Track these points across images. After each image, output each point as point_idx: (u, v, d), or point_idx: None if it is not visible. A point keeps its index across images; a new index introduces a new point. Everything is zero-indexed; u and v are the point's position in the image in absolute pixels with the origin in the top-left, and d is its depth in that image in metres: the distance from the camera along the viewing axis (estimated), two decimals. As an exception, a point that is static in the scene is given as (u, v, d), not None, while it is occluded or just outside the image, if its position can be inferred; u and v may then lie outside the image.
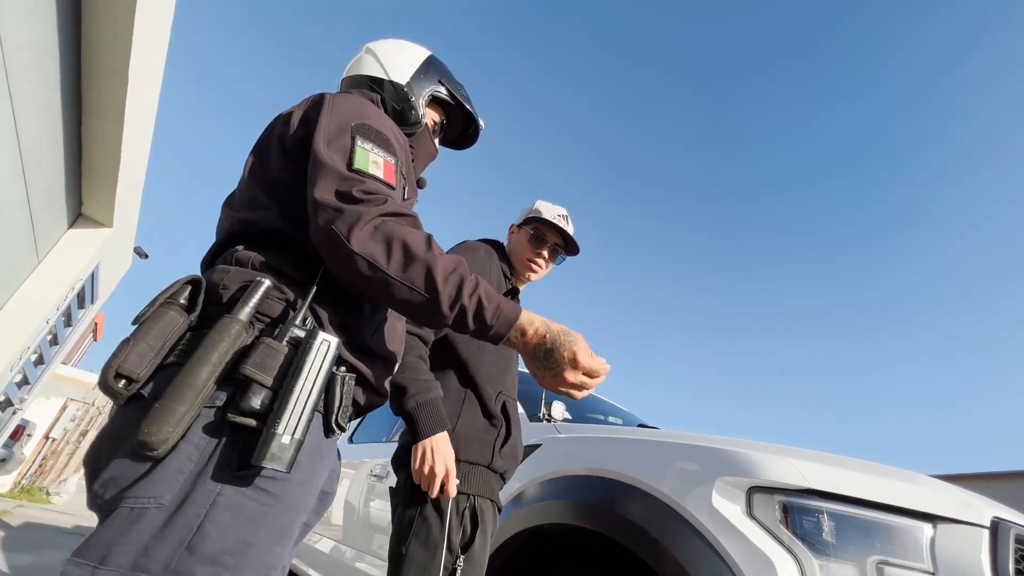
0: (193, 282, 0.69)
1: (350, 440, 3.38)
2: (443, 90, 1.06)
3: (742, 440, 1.33)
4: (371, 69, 1.02)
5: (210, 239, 0.97)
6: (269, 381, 0.61)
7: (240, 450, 0.61)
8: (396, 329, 0.88)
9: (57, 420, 11.48)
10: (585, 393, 0.76)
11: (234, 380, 0.62)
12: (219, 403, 0.62)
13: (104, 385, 0.61)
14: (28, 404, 4.90)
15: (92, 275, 4.11)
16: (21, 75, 2.14)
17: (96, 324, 15.61)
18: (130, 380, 0.61)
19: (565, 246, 1.50)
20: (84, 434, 11.54)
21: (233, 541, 0.58)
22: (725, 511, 1.14)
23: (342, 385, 0.70)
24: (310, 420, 0.62)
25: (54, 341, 4.44)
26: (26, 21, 2.04)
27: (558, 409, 2.03)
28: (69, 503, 9.00)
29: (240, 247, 0.76)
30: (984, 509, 1.09)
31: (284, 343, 0.65)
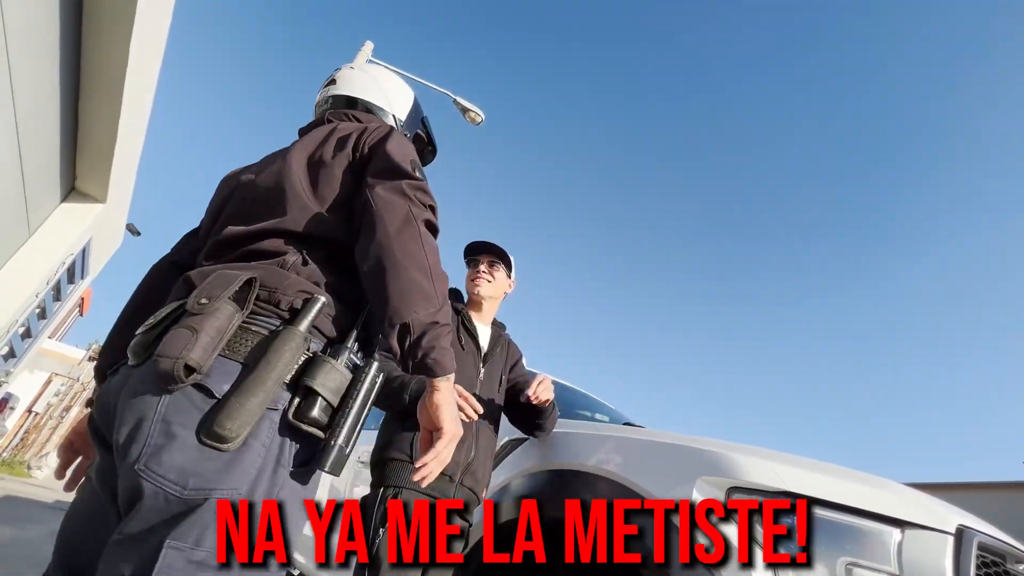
0: (250, 281, 0.72)
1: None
2: (423, 129, 1.25)
3: (723, 442, 1.37)
4: (374, 97, 1.16)
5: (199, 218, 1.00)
6: (333, 399, 0.69)
7: (297, 451, 0.69)
8: None
9: (41, 394, 11.37)
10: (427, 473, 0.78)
11: (292, 387, 0.69)
12: (282, 406, 0.68)
13: (168, 374, 0.62)
14: (14, 377, 4.86)
15: (83, 250, 4.08)
16: (20, 48, 2.12)
17: (83, 299, 15.42)
18: (193, 370, 0.63)
19: (494, 253, 1.78)
20: (68, 409, 11.45)
21: (294, 526, 0.67)
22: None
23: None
24: (356, 436, 0.71)
25: (42, 315, 4.40)
26: (28, -8, 2.02)
27: (546, 404, 2.07)
28: (50, 477, 8.94)
29: (295, 254, 0.79)
30: (950, 516, 1.14)
31: (344, 366, 0.72)
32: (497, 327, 1.82)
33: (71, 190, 3.69)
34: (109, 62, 2.66)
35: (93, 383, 0.97)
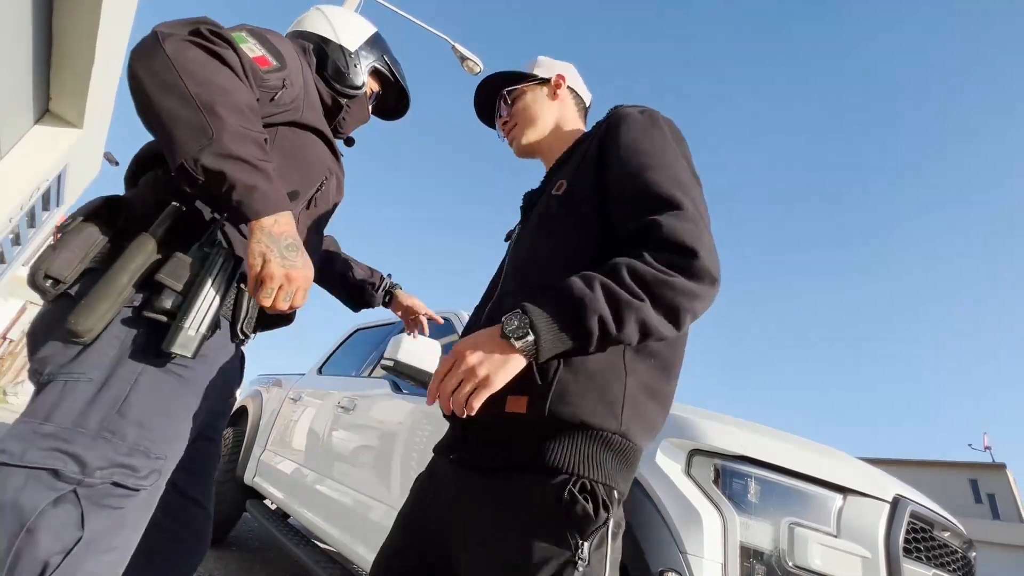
0: (110, 201, 0.82)
1: (319, 371, 3.44)
2: (384, 66, 1.19)
3: (690, 407, 1.44)
4: (321, 29, 1.12)
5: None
6: (179, 287, 0.73)
7: (155, 341, 0.74)
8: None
9: (15, 322, 11.21)
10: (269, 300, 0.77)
11: (150, 285, 0.74)
12: (136, 303, 0.74)
13: (33, 284, 0.73)
14: (-13, 303, 4.76)
15: (59, 177, 3.94)
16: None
17: (57, 227, 14.95)
18: (57, 281, 0.73)
19: (498, 88, 1.12)
20: (43, 338, 11.34)
21: (153, 411, 0.73)
22: (666, 468, 1.25)
23: (249, 300, 0.84)
24: (214, 320, 0.76)
25: (16, 241, 4.29)
26: None
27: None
28: (26, 404, 8.95)
29: (150, 172, 0.86)
30: (890, 487, 1.23)
31: (192, 257, 0.76)
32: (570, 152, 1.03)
33: (45, 111, 3.52)
34: (86, -25, 2.48)
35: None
